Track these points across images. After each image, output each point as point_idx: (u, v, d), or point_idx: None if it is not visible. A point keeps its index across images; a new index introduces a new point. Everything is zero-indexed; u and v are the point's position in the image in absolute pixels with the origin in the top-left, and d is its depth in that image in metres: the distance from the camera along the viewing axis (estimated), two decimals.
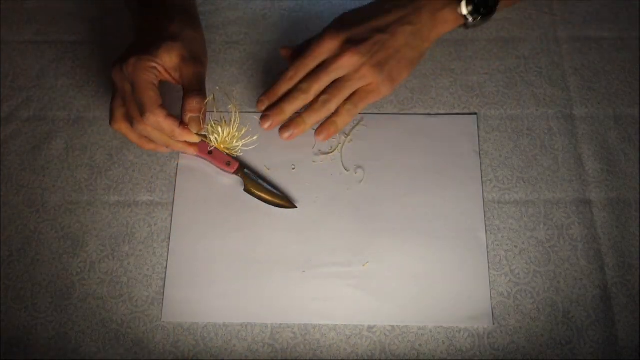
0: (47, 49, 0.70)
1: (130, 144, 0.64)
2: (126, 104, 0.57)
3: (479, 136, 0.64)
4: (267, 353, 0.56)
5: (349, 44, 0.58)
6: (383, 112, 0.65)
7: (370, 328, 0.57)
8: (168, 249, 0.60)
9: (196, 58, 0.58)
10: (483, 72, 0.67)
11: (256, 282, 0.58)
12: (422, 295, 0.57)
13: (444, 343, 0.56)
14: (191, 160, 0.63)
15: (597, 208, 0.61)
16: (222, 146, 0.60)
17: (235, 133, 0.60)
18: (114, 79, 0.57)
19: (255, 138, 0.61)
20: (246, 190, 0.61)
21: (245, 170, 0.62)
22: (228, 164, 0.61)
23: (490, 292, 0.58)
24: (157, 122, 0.55)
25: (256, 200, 0.61)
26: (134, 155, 0.64)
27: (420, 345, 0.56)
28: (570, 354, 0.56)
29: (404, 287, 0.58)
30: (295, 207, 0.61)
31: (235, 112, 0.59)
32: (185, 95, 0.56)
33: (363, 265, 0.59)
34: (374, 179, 0.62)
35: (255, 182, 0.61)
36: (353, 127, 0.64)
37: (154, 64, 0.56)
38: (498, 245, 0.60)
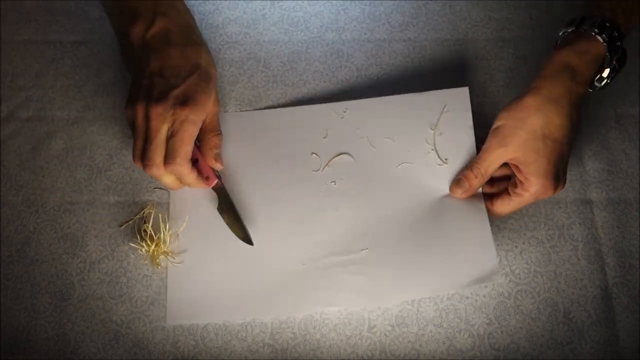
0: (47, 48, 0.70)
1: (130, 144, 0.64)
2: (151, 143, 0.54)
3: (472, 110, 0.62)
4: (267, 353, 0.56)
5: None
6: (370, 96, 0.64)
7: (370, 328, 0.57)
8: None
9: (216, 96, 0.60)
10: (483, 72, 0.67)
11: (256, 279, 0.58)
12: (424, 266, 0.57)
13: (444, 343, 0.56)
14: None
15: (598, 208, 0.61)
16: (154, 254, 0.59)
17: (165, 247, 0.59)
18: (153, 119, 0.53)
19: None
20: (219, 209, 0.60)
21: (223, 188, 0.60)
22: (207, 179, 0.60)
23: (495, 249, 0.57)
24: (180, 172, 0.56)
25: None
26: None
27: (420, 345, 0.56)
28: (570, 354, 0.55)
29: (405, 265, 0.57)
30: (252, 244, 0.59)
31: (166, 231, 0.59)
32: (209, 135, 0.59)
33: (362, 251, 0.58)
34: (366, 164, 0.62)
35: (228, 206, 0.60)
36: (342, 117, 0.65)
37: (202, 118, 0.56)
38: (498, 245, 0.59)
